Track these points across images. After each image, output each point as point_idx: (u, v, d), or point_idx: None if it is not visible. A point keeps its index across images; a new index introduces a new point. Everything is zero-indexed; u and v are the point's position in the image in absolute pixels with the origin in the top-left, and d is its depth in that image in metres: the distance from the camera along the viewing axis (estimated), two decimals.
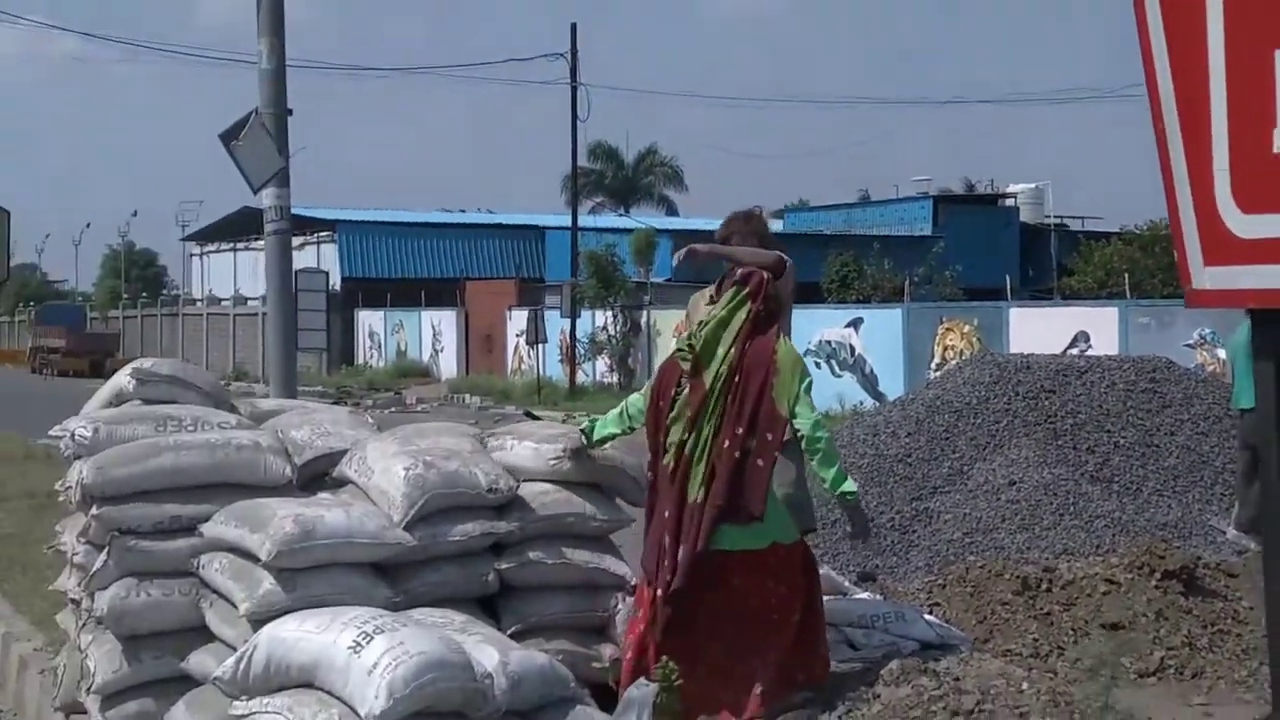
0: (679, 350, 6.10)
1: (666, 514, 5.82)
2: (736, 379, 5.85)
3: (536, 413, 12.31)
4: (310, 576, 5.53)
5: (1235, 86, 2.58)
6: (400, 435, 6.47)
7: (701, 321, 6.10)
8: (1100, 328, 22.87)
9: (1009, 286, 29.82)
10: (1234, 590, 8.18)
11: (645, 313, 34.94)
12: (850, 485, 5.89)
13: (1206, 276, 2.67)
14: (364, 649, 4.77)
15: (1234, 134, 2.58)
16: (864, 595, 7.84)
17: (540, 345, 35.48)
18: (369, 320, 50.96)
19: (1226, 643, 7.68)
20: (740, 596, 5.85)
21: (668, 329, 32.84)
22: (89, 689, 5.98)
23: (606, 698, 5.72)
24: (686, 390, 5.94)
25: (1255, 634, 7.65)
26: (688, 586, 5.74)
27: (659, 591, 5.83)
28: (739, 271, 6.19)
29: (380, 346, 49.80)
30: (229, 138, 11.01)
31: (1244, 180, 2.56)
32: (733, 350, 5.90)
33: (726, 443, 5.77)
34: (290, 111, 11.51)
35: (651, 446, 6.08)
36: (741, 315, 5.96)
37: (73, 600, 6.54)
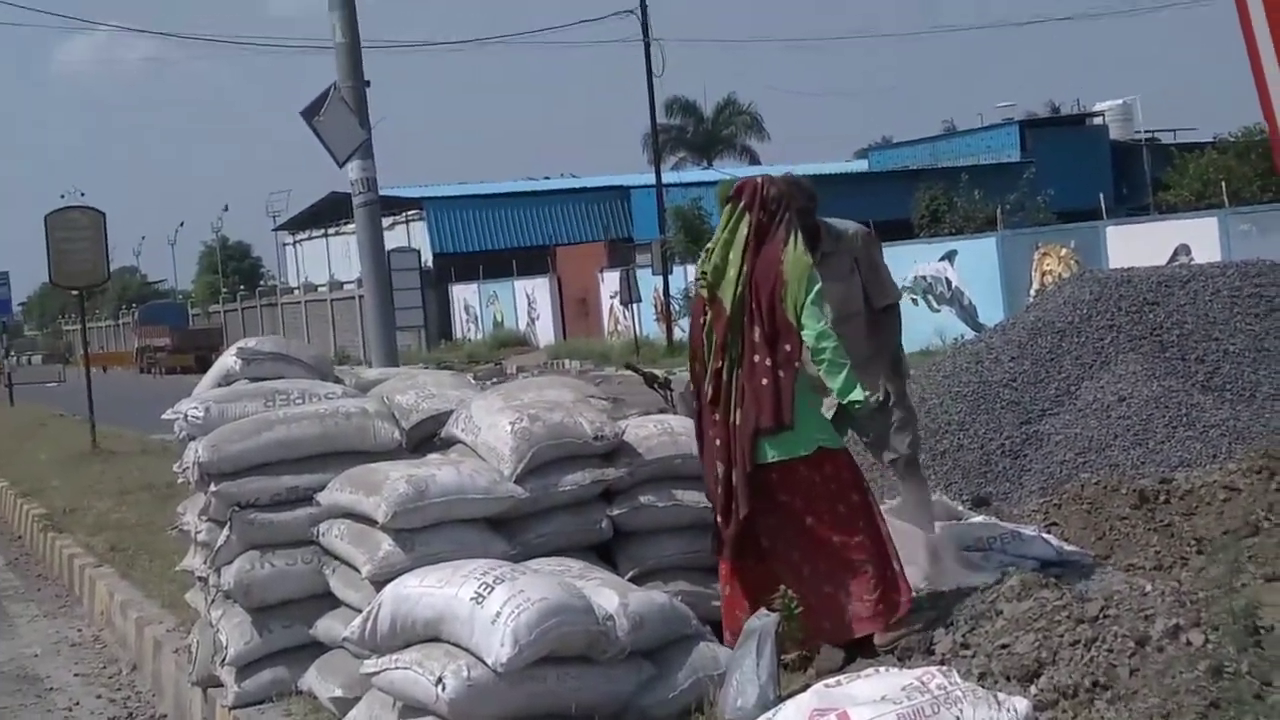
0: (698, 279, 6.06)
1: (718, 442, 5.80)
2: (751, 296, 5.75)
3: (638, 365, 12.35)
4: (427, 535, 5.61)
5: None
6: (504, 391, 6.54)
7: (708, 247, 6.02)
8: (1201, 239, 22.50)
9: (1103, 206, 29.38)
10: None
11: None
12: (858, 394, 5.71)
13: None
14: (486, 599, 4.84)
15: None
16: (980, 519, 7.80)
17: (634, 305, 35.56)
18: (463, 294, 51.34)
19: None
20: (795, 516, 5.76)
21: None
22: (223, 661, 6.13)
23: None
24: (711, 317, 5.91)
25: None
26: (750, 512, 5.71)
27: (718, 519, 5.83)
28: (734, 188, 6.10)
29: (477, 319, 50.17)
30: (310, 114, 11.14)
31: None
32: (743, 267, 5.79)
33: (754, 359, 5.70)
34: (368, 83, 11.61)
35: (694, 377, 6.05)
36: (743, 229, 5.85)
37: (200, 579, 6.69)
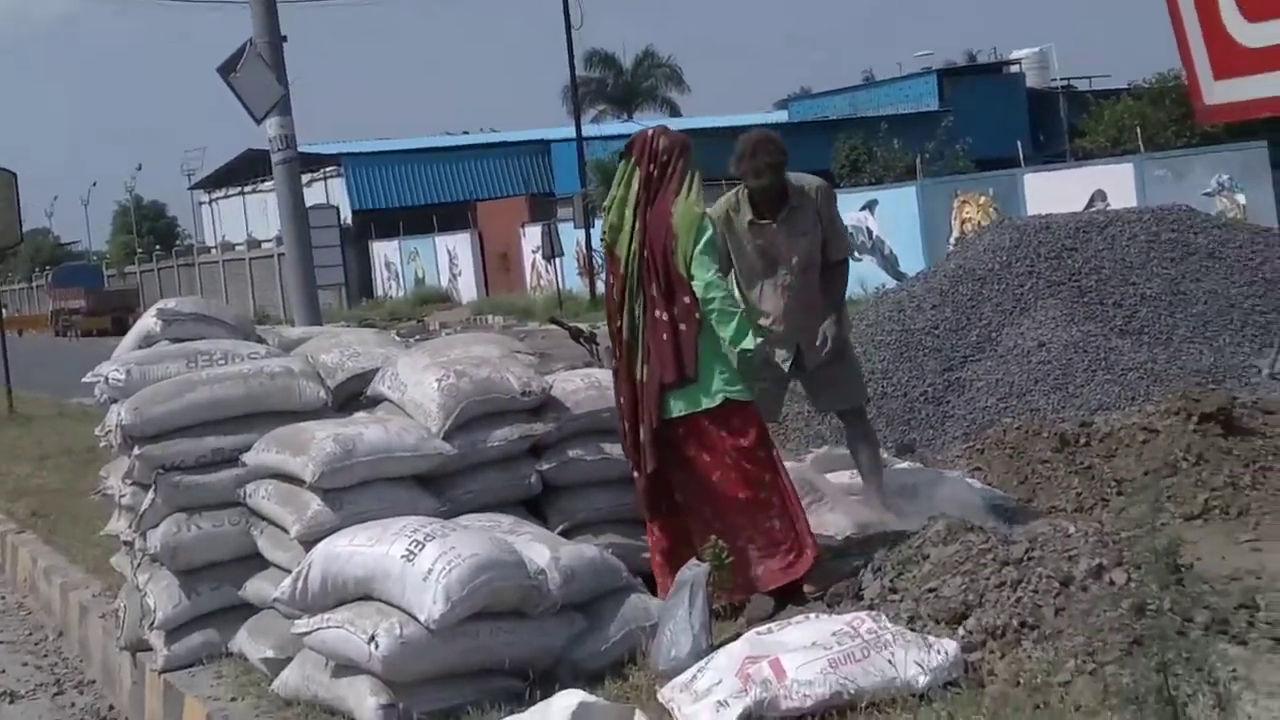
0: (602, 238, 6.05)
1: (623, 399, 5.84)
2: (645, 251, 5.74)
3: (561, 319, 12.33)
4: (356, 494, 5.60)
5: None
6: (429, 348, 6.52)
7: (605, 206, 6.01)
8: (1117, 185, 22.74)
9: (1021, 154, 29.62)
10: (1273, 426, 8.16)
11: None
12: (748, 342, 5.70)
13: (1217, 90, 2.65)
14: (417, 556, 4.84)
15: None
16: (905, 465, 7.88)
17: (557, 259, 35.48)
18: (384, 251, 50.97)
19: (1269, 479, 7.67)
20: (704, 471, 5.76)
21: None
22: (151, 625, 6.08)
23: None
24: (609, 275, 5.92)
25: None
26: (659, 467, 5.73)
27: (634, 475, 5.87)
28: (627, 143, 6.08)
29: (398, 276, 49.85)
30: (227, 70, 10.99)
31: None
32: (635, 222, 5.78)
33: (654, 314, 5.70)
34: (285, 38, 11.48)
35: (610, 335, 6.04)
36: (635, 184, 5.84)
37: (125, 543, 6.62)
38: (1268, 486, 7.61)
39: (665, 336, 5.67)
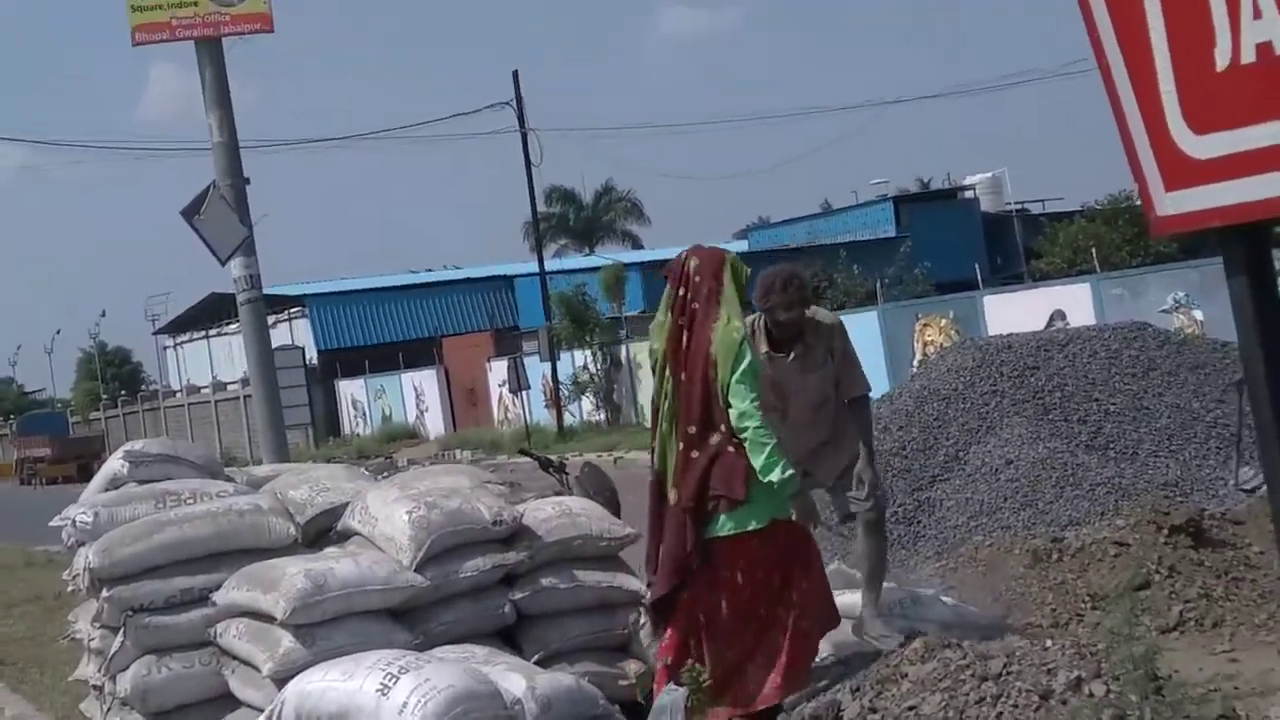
0: (652, 364, 6.10)
1: (653, 517, 5.87)
2: (682, 375, 5.79)
3: (531, 450, 12.33)
4: (328, 629, 5.56)
5: (1171, 10, 2.64)
6: (399, 481, 6.52)
7: (651, 329, 6.08)
8: (1075, 305, 22.97)
9: (979, 276, 29.96)
10: (1242, 537, 8.22)
11: (623, 347, 34.97)
12: (777, 474, 5.67)
13: (1169, 202, 2.72)
14: (391, 690, 4.80)
15: (1177, 57, 2.63)
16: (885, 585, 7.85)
17: (523, 392, 35.48)
18: (350, 390, 50.89)
19: (1242, 589, 7.71)
20: (738, 588, 5.77)
21: (648, 361, 32.89)
22: None
23: (635, 714, 5.75)
24: (657, 394, 5.95)
25: (1269, 577, 7.70)
26: (694, 587, 5.72)
27: (645, 594, 5.91)
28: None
29: (365, 414, 49.72)
30: (190, 213, 11.08)
31: (1193, 102, 2.61)
32: (668, 346, 5.85)
33: (682, 444, 5.74)
34: (248, 181, 11.61)
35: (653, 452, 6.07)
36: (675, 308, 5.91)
37: (95, 687, 6.54)
38: (1240, 597, 7.64)
39: (697, 464, 5.67)
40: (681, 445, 5.74)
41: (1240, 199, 2.51)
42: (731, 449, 5.69)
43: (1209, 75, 2.55)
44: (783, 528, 5.83)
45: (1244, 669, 6.41)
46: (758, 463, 5.68)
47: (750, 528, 5.72)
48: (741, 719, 5.65)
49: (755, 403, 5.73)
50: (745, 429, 5.67)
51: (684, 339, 5.82)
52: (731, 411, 5.68)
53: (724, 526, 5.72)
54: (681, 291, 5.86)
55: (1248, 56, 2.46)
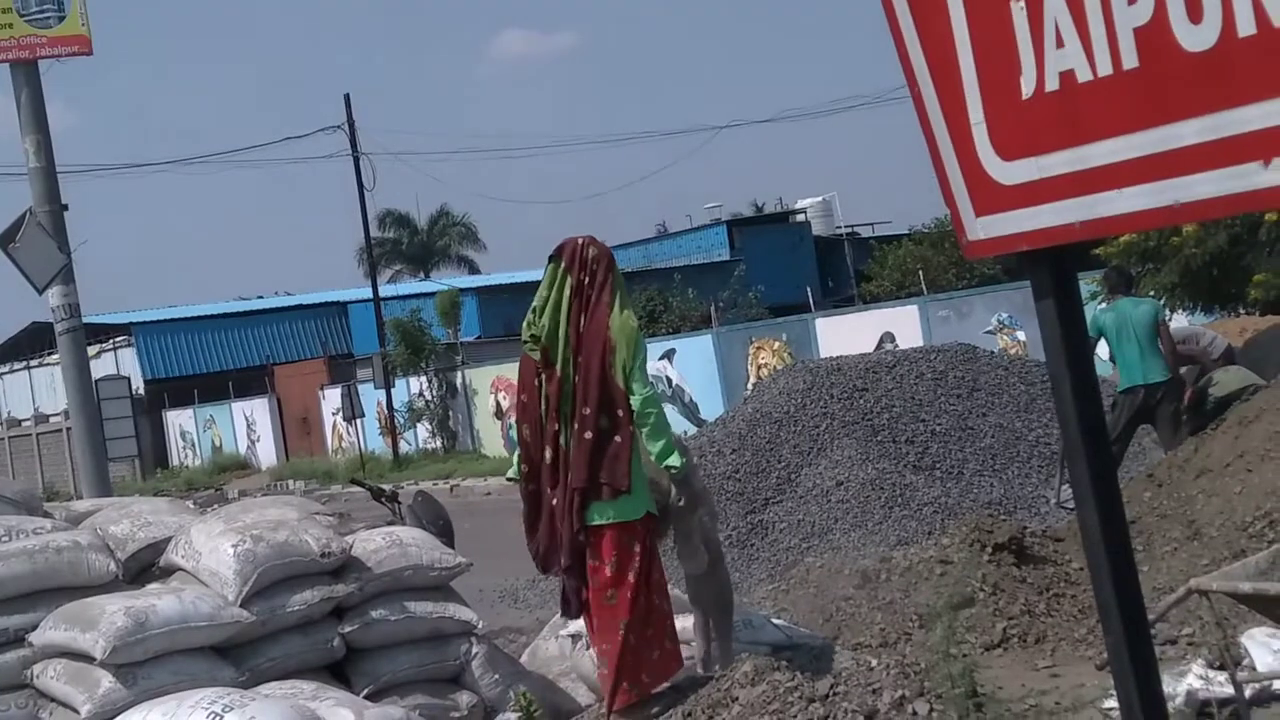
0: (525, 343, 6.09)
1: (555, 502, 5.90)
2: (579, 358, 5.87)
3: (363, 479, 12.18)
4: (150, 668, 5.41)
5: (980, 40, 2.70)
6: (224, 514, 6.37)
7: (535, 308, 6.07)
8: (904, 327, 23.41)
9: (811, 299, 30.41)
10: (1062, 554, 8.41)
11: (459, 373, 34.73)
12: (675, 460, 5.88)
13: (979, 227, 2.77)
14: None
15: (985, 85, 2.69)
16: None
17: (358, 420, 35.08)
18: (178, 420, 49.78)
19: (1063, 605, 7.89)
20: (610, 577, 5.88)
21: (484, 387, 32.72)
22: None
23: None
24: (546, 380, 5.95)
25: (1088, 593, 7.89)
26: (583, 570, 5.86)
27: (557, 574, 6.01)
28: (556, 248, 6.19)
29: (194, 445, 48.67)
30: (5, 241, 10.75)
31: (1000, 129, 2.67)
32: (569, 329, 5.91)
33: (577, 425, 5.83)
34: (66, 207, 11.29)
35: (521, 440, 6.08)
36: (567, 290, 5.95)
37: None
38: (1062, 613, 7.83)
39: (592, 448, 5.78)
40: (576, 425, 5.85)
41: (1044, 224, 2.57)
42: (619, 438, 5.80)
43: (1015, 103, 2.61)
44: (650, 523, 5.95)
45: (1064, 684, 6.56)
46: (656, 446, 5.86)
47: (623, 519, 5.82)
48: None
49: (653, 389, 5.94)
50: (649, 413, 5.83)
51: (580, 323, 5.90)
52: (634, 398, 5.81)
53: (605, 514, 5.81)
54: (582, 278, 5.94)
55: (1051, 84, 2.52)
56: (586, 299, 5.94)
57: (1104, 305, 11.71)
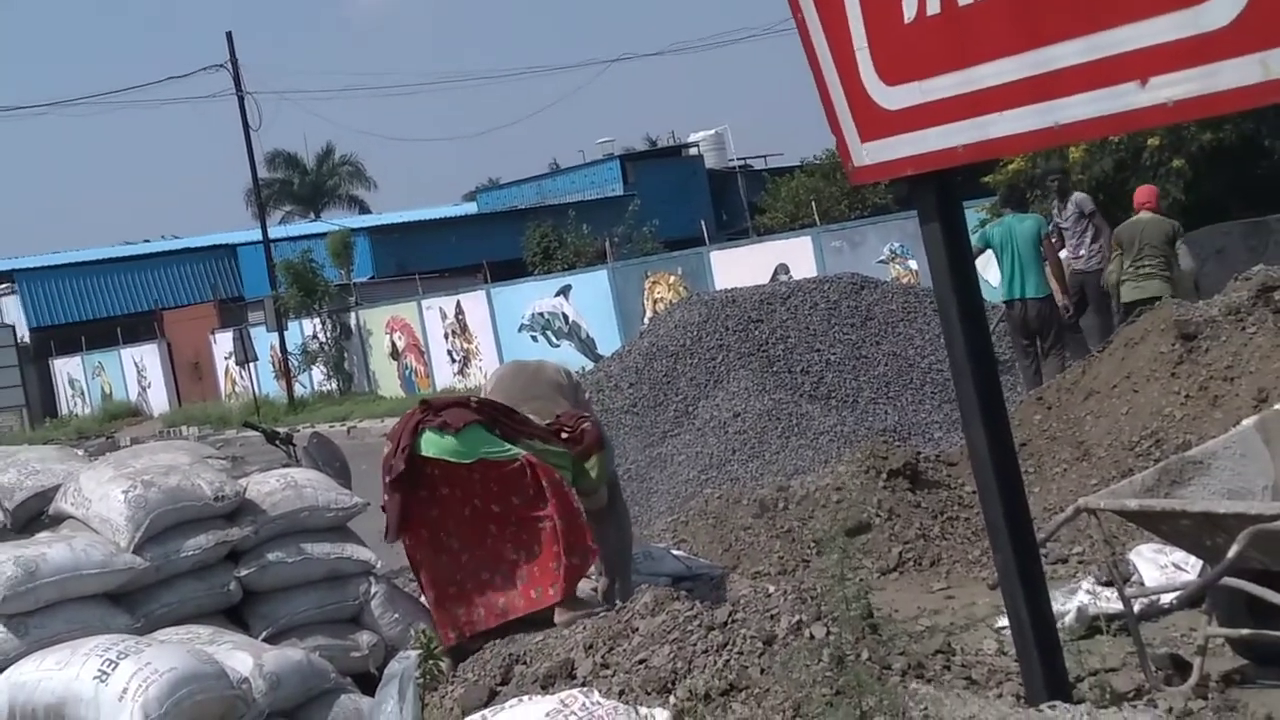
0: None
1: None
2: None
3: (256, 422, 12.03)
4: (43, 617, 5.32)
5: None
6: (114, 460, 6.26)
7: None
8: (798, 258, 23.51)
9: (705, 233, 30.44)
10: (956, 478, 8.54)
11: (353, 314, 34.41)
12: None
13: (865, 153, 2.79)
14: (110, 676, 4.63)
15: (868, 12, 2.69)
16: None
17: (251, 364, 34.66)
18: (66, 368, 48.89)
19: (957, 528, 8.03)
20: (462, 499, 6.23)
21: (379, 328, 32.46)
22: None
23: (371, 685, 5.68)
24: None
25: (981, 516, 8.02)
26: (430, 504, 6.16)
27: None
28: None
29: (83, 393, 47.84)
30: None
31: (884, 54, 2.68)
32: None
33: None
34: None
35: None
36: None
37: None
38: (955, 535, 7.96)
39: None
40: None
41: (928, 148, 2.59)
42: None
43: (898, 27, 2.62)
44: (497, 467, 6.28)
45: (956, 604, 6.68)
46: None
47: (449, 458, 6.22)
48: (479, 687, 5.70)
49: None
50: None
51: None
52: None
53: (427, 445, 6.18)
54: None
55: (933, 8, 2.53)
56: None
57: (995, 221, 11.96)
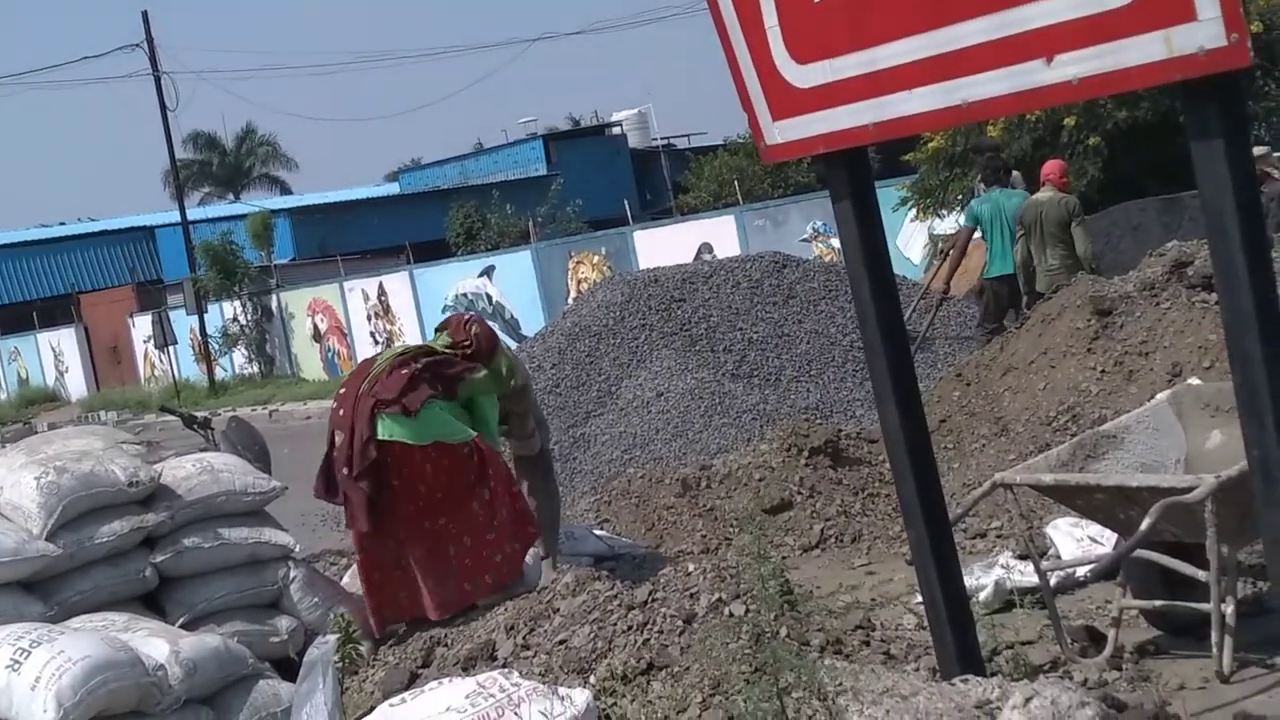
0: None
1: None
2: None
3: (174, 406, 11.90)
4: None
5: None
6: (26, 446, 6.17)
7: None
8: (721, 237, 23.56)
9: (629, 212, 30.43)
10: (877, 455, 8.58)
11: (275, 297, 34.08)
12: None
13: (777, 131, 2.79)
14: (23, 665, 4.56)
15: None
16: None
17: (170, 348, 34.26)
18: None
19: (878, 504, 8.08)
20: (411, 487, 6.20)
21: (300, 310, 32.18)
22: None
23: (290, 670, 5.63)
24: None
25: None
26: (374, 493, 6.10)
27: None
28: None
29: None
30: None
31: (794, 32, 2.68)
32: None
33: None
34: None
35: None
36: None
37: None
38: (876, 512, 8.02)
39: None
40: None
41: (839, 126, 2.59)
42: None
43: (808, 5, 2.61)
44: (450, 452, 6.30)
45: (876, 580, 6.73)
46: None
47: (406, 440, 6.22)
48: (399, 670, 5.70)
49: None
50: None
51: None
52: None
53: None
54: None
55: None
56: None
57: (978, 196, 12.04)
